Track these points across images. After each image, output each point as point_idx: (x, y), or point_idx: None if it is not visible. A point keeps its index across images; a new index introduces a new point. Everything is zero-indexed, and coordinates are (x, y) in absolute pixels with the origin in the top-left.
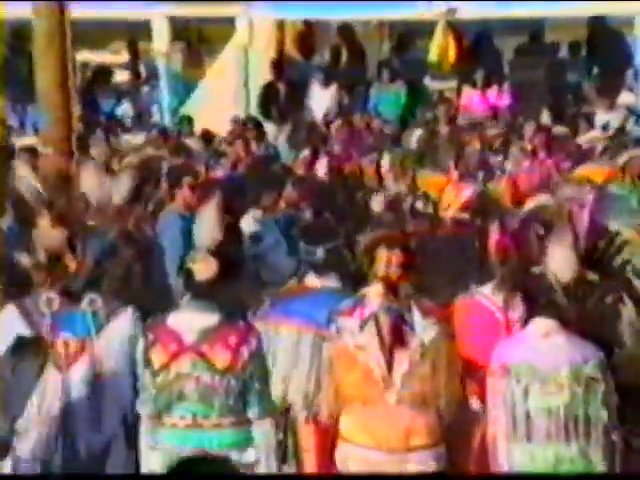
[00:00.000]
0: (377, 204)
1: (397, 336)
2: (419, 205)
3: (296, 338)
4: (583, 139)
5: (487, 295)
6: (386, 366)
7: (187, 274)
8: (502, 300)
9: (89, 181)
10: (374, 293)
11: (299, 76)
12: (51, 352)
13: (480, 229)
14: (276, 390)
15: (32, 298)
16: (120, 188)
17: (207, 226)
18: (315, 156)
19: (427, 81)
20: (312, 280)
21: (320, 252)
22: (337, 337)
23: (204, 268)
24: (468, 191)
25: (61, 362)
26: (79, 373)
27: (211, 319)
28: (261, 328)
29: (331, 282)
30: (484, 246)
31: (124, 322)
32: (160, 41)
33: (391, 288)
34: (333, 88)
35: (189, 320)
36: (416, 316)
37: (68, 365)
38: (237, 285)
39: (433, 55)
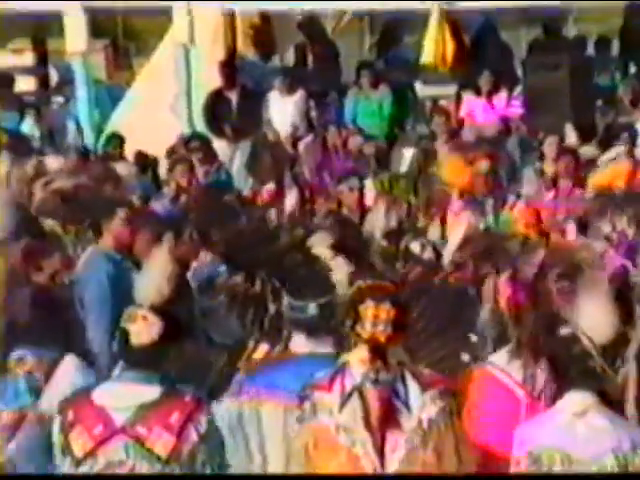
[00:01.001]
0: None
1: (387, 415)
2: (415, 247)
3: (283, 419)
4: (606, 158)
5: (502, 366)
6: (375, 452)
7: (121, 336)
8: (521, 371)
9: None
10: (357, 360)
11: (255, 81)
12: None
13: (484, 279)
14: None
15: None
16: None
17: (155, 277)
18: (281, 186)
19: (418, 87)
20: (299, 344)
21: (313, 308)
22: (312, 417)
23: (144, 330)
24: (463, 225)
25: None
26: (21, 445)
27: (150, 393)
28: (234, 406)
29: (324, 346)
30: (493, 301)
31: (68, 375)
32: (75, 38)
33: (379, 353)
34: (298, 96)
35: (120, 395)
36: (412, 389)
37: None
38: (183, 350)
39: (426, 54)
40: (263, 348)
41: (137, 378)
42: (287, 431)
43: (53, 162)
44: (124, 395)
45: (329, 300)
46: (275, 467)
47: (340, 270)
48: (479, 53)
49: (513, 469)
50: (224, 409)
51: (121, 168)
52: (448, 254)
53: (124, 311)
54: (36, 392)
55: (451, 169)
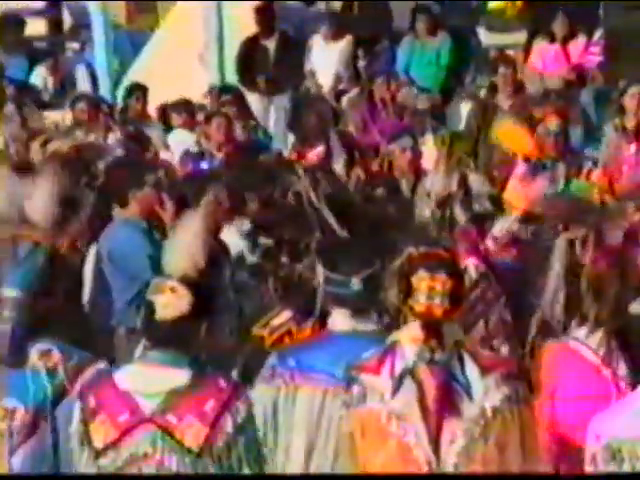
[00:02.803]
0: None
1: (446, 400)
2: (478, 207)
3: (320, 404)
4: None
5: (587, 343)
6: (431, 444)
7: (146, 310)
8: (604, 349)
9: None
10: (409, 338)
11: (295, 28)
12: None
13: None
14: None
15: None
16: (40, 195)
17: (188, 245)
18: (329, 147)
19: (482, 34)
20: (340, 321)
21: (356, 283)
22: (361, 402)
23: (172, 303)
24: (539, 187)
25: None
26: (27, 459)
27: (179, 377)
28: (269, 391)
29: (367, 324)
30: (571, 271)
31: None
32: None
33: (433, 330)
34: (345, 43)
35: (147, 378)
36: (471, 372)
37: (11, 448)
38: (215, 326)
39: None
40: (285, 316)
41: (163, 359)
42: (321, 418)
43: (56, 116)
44: (151, 379)
45: (373, 273)
46: (297, 457)
47: None
48: None
49: (588, 464)
50: (258, 396)
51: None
52: (504, 227)
53: (150, 282)
54: (56, 393)
55: (512, 135)
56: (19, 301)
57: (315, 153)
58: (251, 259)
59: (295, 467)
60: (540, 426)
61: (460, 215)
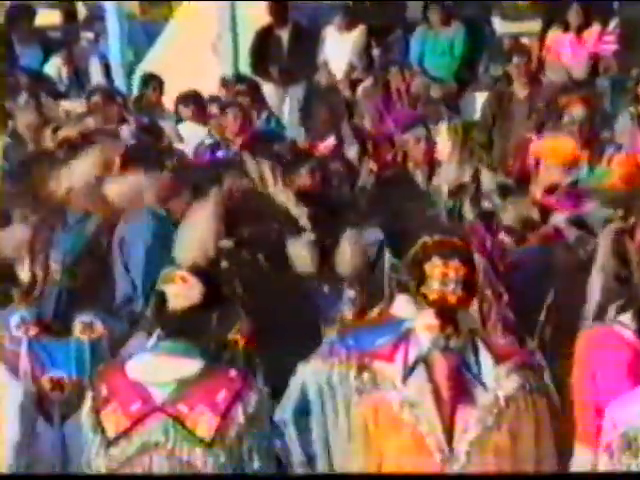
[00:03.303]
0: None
1: (459, 388)
2: (486, 204)
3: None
4: None
5: (629, 325)
6: (444, 432)
7: (157, 300)
8: None
9: None
10: (423, 326)
11: (308, 18)
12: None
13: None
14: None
15: None
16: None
17: (199, 234)
18: (340, 139)
19: (496, 22)
20: (402, 307)
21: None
22: (373, 390)
23: (183, 292)
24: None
25: (53, 410)
26: (81, 428)
27: (190, 366)
28: (323, 368)
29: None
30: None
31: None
32: None
33: (448, 318)
34: (358, 32)
35: (158, 368)
36: (485, 360)
37: (62, 416)
38: (225, 316)
39: None
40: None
41: (175, 349)
42: None
43: (70, 106)
44: (162, 368)
45: None
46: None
47: None
48: None
49: (602, 452)
50: (312, 371)
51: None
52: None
53: (161, 272)
54: (90, 366)
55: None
56: (65, 265)
57: (325, 145)
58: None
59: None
60: (580, 411)
61: (468, 211)
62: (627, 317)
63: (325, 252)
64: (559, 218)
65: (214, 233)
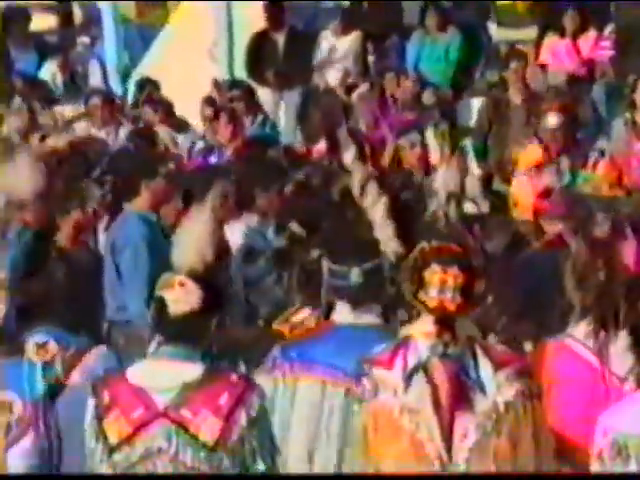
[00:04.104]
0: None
1: (458, 394)
2: (470, 208)
3: (320, 395)
4: None
5: (582, 340)
6: (443, 439)
7: (157, 306)
8: (594, 341)
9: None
10: (422, 333)
11: (305, 23)
12: None
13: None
14: (296, 469)
15: None
16: (23, 172)
17: (196, 240)
18: (335, 143)
19: (492, 28)
20: (342, 314)
21: (355, 274)
22: (372, 396)
23: (182, 298)
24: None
25: None
26: (24, 454)
27: (191, 371)
28: (268, 383)
29: (369, 317)
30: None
31: (96, 369)
32: None
33: (446, 325)
34: (354, 37)
35: (159, 373)
36: (484, 367)
37: (10, 441)
38: (224, 321)
39: None
40: (304, 313)
41: (176, 354)
42: (322, 409)
43: (66, 111)
44: (163, 374)
45: (376, 266)
46: (298, 450)
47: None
48: None
49: (594, 460)
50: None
51: (161, 132)
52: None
53: (160, 278)
54: (52, 387)
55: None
56: (8, 282)
57: (317, 149)
58: (276, 244)
59: (297, 460)
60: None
61: (452, 215)
62: (579, 329)
63: None
64: (562, 225)
65: (212, 238)
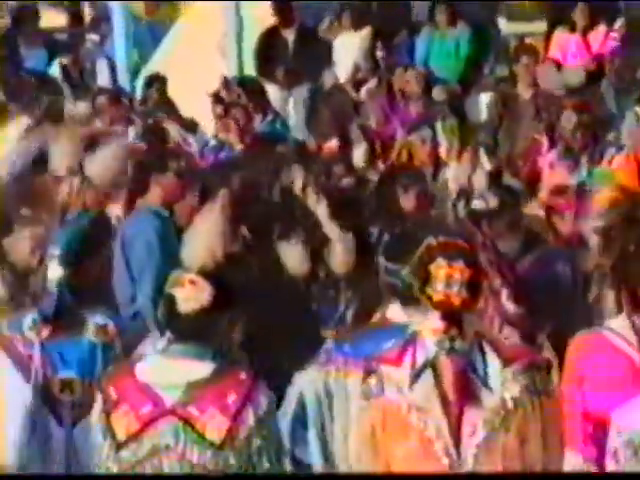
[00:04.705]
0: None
1: (465, 390)
2: (478, 204)
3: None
4: None
5: (622, 332)
6: (451, 436)
7: (167, 303)
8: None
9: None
10: (429, 329)
11: (314, 19)
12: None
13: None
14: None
15: (11, 323)
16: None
17: (207, 236)
18: (345, 140)
19: (501, 23)
20: (396, 312)
21: (406, 272)
22: (380, 394)
23: (193, 295)
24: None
25: (63, 412)
26: (91, 431)
27: (201, 369)
28: (319, 376)
29: (419, 316)
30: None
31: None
32: None
33: (453, 320)
34: (364, 34)
35: (168, 370)
36: (491, 362)
37: (73, 418)
38: (236, 320)
39: None
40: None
41: (186, 352)
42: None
43: (76, 107)
44: (172, 371)
45: None
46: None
47: None
48: None
49: (609, 459)
50: (309, 380)
51: (171, 128)
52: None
53: (170, 275)
54: (103, 368)
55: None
56: (61, 261)
57: (329, 146)
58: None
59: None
60: (568, 416)
61: (460, 210)
62: (617, 322)
63: (316, 253)
64: (582, 223)
65: (222, 235)
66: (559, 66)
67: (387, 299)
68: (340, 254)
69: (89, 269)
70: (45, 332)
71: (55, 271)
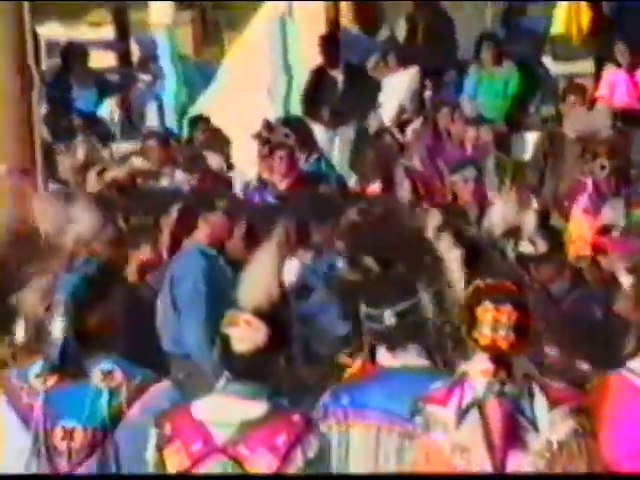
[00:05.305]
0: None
1: (511, 433)
2: (527, 248)
3: (374, 441)
4: None
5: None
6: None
7: (222, 343)
8: None
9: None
10: (477, 370)
11: (359, 58)
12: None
13: None
14: None
15: (20, 372)
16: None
17: (263, 276)
18: (389, 183)
19: (548, 62)
20: (385, 357)
21: (388, 316)
22: (425, 434)
23: (248, 335)
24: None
25: (61, 462)
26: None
27: (255, 409)
28: (322, 429)
29: (411, 357)
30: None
31: (159, 404)
32: (160, 9)
33: (502, 363)
34: (413, 72)
35: (223, 409)
36: (539, 405)
37: (71, 467)
38: (292, 358)
39: (558, 24)
40: (357, 363)
41: (242, 391)
42: (378, 456)
43: (124, 148)
44: (227, 410)
45: (411, 305)
46: None
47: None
48: (618, 22)
49: None
50: None
51: (211, 158)
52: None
53: (225, 314)
54: (114, 415)
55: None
56: (68, 306)
57: (372, 188)
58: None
59: None
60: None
61: (510, 251)
62: (637, 363)
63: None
64: (615, 264)
65: (277, 275)
66: (593, 103)
67: (372, 345)
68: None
69: (95, 315)
70: (51, 381)
71: (60, 318)
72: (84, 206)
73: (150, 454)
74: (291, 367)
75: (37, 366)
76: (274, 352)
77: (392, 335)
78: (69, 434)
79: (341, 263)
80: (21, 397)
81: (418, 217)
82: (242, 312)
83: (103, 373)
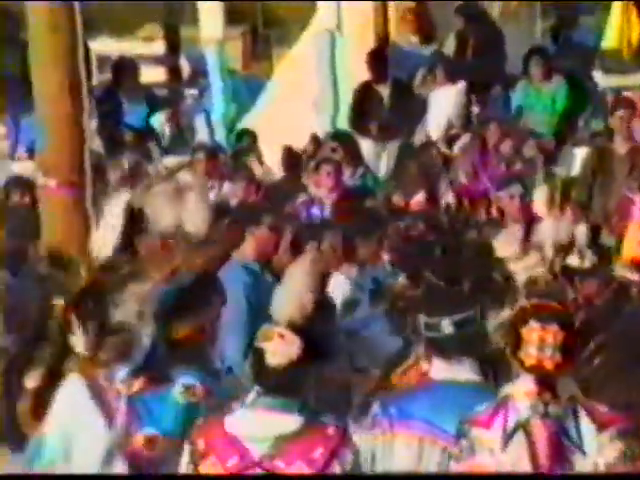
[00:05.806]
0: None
1: (558, 455)
2: (574, 260)
3: (417, 453)
4: None
5: None
6: None
7: (255, 357)
8: None
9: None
10: (522, 392)
11: (407, 73)
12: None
13: None
14: None
15: (107, 374)
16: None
17: (296, 290)
18: (433, 196)
19: (598, 76)
20: (437, 368)
21: (447, 325)
22: (470, 455)
23: (281, 349)
24: None
25: (141, 465)
26: None
27: (289, 423)
28: (367, 440)
29: (463, 371)
30: None
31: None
32: (210, 24)
33: (547, 384)
34: (460, 87)
35: (257, 423)
36: (586, 428)
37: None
38: (324, 374)
39: (608, 38)
40: (424, 367)
41: (275, 405)
42: (419, 467)
43: (172, 162)
44: (261, 424)
45: (467, 317)
46: None
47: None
48: None
49: None
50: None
51: (257, 167)
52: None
53: (259, 329)
54: (185, 427)
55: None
56: (158, 315)
57: (415, 201)
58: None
59: None
60: None
61: (557, 267)
62: None
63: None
64: None
65: (311, 289)
66: None
67: (428, 355)
68: None
69: (185, 327)
70: (136, 386)
71: (150, 326)
72: (196, 199)
73: (184, 469)
74: (322, 380)
75: (124, 370)
76: (307, 366)
77: (449, 344)
78: (151, 442)
79: (400, 278)
80: (107, 395)
81: (487, 234)
82: (276, 326)
83: (184, 387)
